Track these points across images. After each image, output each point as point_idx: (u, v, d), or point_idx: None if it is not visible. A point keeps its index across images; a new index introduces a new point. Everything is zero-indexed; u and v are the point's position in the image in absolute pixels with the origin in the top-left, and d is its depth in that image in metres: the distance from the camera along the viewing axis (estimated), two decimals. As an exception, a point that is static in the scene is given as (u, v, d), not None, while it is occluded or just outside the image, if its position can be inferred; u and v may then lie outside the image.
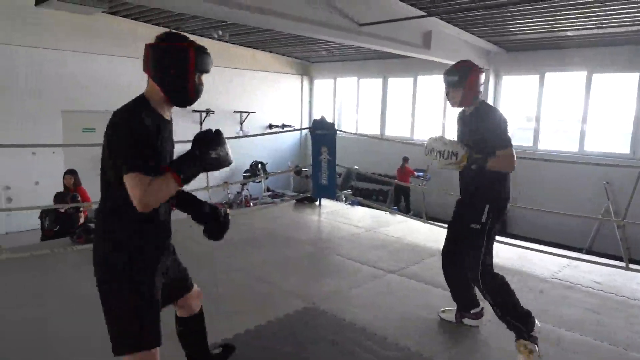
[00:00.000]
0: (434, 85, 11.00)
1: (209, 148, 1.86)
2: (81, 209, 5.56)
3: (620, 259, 4.59)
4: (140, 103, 1.86)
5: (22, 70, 8.14)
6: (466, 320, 3.18)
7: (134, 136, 1.72)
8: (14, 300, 3.48)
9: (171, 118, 2.03)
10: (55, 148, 8.53)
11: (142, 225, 1.86)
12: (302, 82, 13.40)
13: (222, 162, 1.90)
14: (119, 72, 9.40)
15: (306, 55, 12.48)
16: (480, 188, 2.86)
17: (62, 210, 5.31)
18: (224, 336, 2.95)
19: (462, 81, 2.76)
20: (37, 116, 8.32)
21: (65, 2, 4.96)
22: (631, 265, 4.36)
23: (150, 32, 9.08)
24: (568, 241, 8.19)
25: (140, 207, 1.70)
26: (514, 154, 2.75)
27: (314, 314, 3.37)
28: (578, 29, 7.60)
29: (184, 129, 11.24)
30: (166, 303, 2.13)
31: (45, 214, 5.44)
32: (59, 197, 5.54)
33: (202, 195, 7.33)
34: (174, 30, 2.37)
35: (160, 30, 9.58)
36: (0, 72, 7.83)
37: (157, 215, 1.90)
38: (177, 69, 1.86)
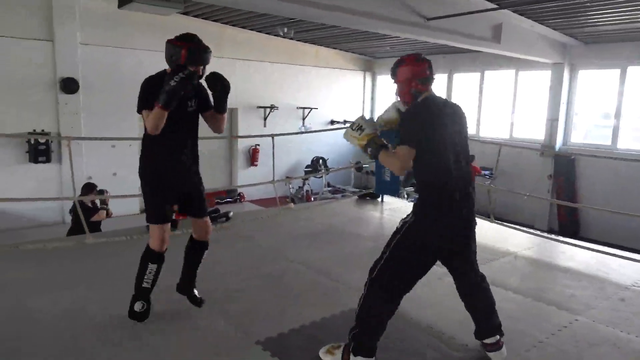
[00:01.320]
0: (502, 81, 10.57)
1: (170, 79, 2.70)
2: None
3: None
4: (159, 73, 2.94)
5: (102, 69, 8.71)
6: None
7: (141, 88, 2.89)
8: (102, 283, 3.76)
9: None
10: (132, 141, 9.07)
11: (154, 144, 2.90)
12: (364, 78, 13.34)
13: (175, 88, 2.69)
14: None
15: (369, 51, 12.40)
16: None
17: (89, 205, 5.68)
18: (290, 326, 3.04)
19: (394, 74, 2.66)
20: (116, 111, 8.88)
21: (147, 4, 5.25)
22: None
23: (219, 31, 9.46)
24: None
25: (148, 130, 2.79)
26: (407, 154, 2.36)
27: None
28: (667, 19, 7.01)
29: (249, 123, 11.61)
30: (182, 211, 3.15)
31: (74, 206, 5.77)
32: (85, 189, 5.94)
33: (267, 188, 7.50)
34: (191, 32, 2.99)
35: (228, 28, 9.95)
36: (84, 71, 8.42)
37: (164, 139, 2.85)
38: (174, 62, 2.82)
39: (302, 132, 10.94)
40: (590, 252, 4.78)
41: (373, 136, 2.52)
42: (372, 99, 13.57)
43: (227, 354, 2.76)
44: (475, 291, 2.73)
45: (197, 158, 3.12)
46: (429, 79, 2.59)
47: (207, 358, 2.72)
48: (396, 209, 6.46)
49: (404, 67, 2.60)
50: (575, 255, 4.82)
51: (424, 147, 2.40)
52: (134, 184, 9.50)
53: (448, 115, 2.54)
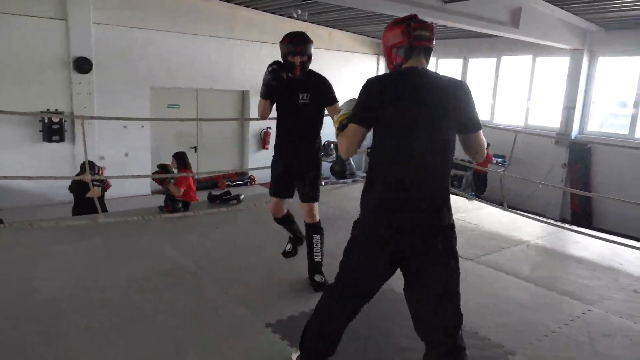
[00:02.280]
0: (519, 67, 10.37)
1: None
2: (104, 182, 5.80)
3: None
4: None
5: (115, 49, 8.69)
6: None
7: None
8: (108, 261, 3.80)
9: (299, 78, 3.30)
10: (144, 122, 9.09)
11: (277, 131, 3.40)
12: (377, 61, 13.16)
13: (266, 79, 3.18)
14: (202, 51, 9.77)
15: (381, 34, 12.22)
16: None
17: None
18: (301, 310, 3.04)
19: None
20: (128, 92, 8.88)
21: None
22: None
23: (231, 12, 9.37)
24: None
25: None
26: (352, 133, 2.08)
27: (391, 296, 3.35)
28: (694, 4, 6.78)
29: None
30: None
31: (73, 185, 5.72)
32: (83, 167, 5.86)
33: (269, 170, 7.32)
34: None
35: (241, 9, 9.83)
36: (96, 50, 8.40)
37: (280, 128, 3.36)
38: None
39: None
40: (604, 242, 4.72)
41: (346, 115, 2.17)
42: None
43: (239, 334, 2.77)
44: None
45: (310, 147, 3.31)
46: (407, 48, 2.07)
47: (221, 339, 2.73)
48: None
49: (384, 34, 2.20)
50: (588, 245, 4.75)
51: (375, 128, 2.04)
52: (146, 164, 9.56)
53: (411, 93, 1.98)
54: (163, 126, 9.65)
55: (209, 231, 4.56)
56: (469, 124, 2.05)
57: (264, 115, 3.31)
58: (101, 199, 5.92)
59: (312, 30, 11.28)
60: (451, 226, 2.01)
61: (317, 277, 3.33)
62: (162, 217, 4.82)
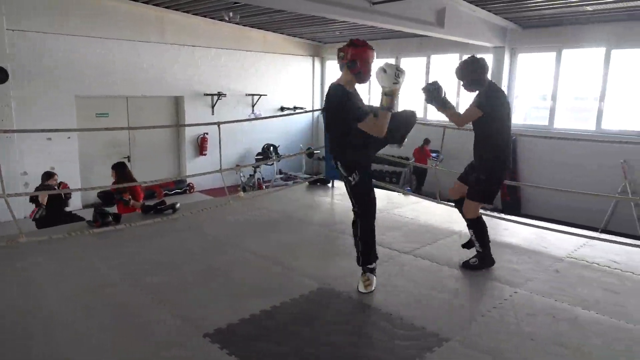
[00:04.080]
0: (448, 64, 10.81)
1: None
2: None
3: (637, 237, 4.52)
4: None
5: (33, 57, 8.19)
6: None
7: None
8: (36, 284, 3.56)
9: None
10: (70, 133, 8.62)
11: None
12: (313, 63, 13.28)
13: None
14: (131, 57, 9.41)
15: (318, 36, 12.34)
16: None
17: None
18: (241, 316, 2.99)
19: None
20: (51, 102, 8.39)
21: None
22: (649, 244, 4.31)
23: (160, 15, 9.05)
24: (584, 221, 8.08)
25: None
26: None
27: (329, 294, 3.39)
28: (597, 3, 7.37)
29: (196, 112, 11.32)
30: None
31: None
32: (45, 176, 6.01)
33: (217, 178, 7.31)
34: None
35: (170, 12, 9.57)
36: (11, 58, 7.87)
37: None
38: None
39: (250, 119, 10.76)
40: (530, 227, 5.02)
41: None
42: (322, 84, 13.54)
43: (174, 348, 2.68)
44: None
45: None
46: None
47: (152, 353, 2.63)
48: (346, 193, 6.48)
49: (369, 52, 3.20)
50: (516, 231, 5.03)
51: None
52: (74, 177, 9.05)
53: None
54: (92, 136, 9.21)
55: (142, 243, 4.39)
56: None
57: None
58: (63, 209, 5.87)
59: (245, 33, 11.22)
60: None
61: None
62: (91, 233, 4.58)
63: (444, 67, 10.94)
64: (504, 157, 3.69)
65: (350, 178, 3.26)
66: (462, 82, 3.75)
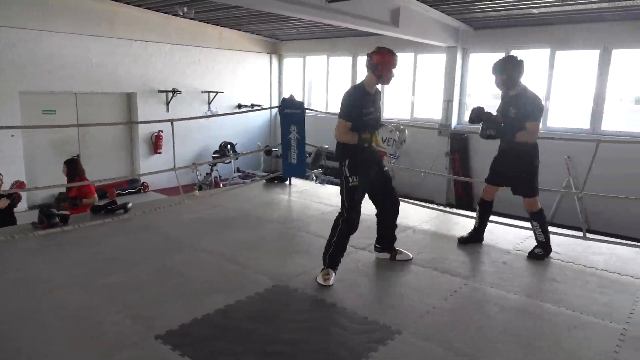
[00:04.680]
0: (404, 63, 11.02)
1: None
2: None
3: (580, 229, 4.78)
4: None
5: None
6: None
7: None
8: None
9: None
10: (14, 131, 8.19)
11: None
12: (270, 60, 13.19)
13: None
14: (80, 51, 9.04)
15: (275, 33, 12.27)
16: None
17: None
18: (194, 316, 2.95)
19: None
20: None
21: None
22: (588, 235, 4.56)
23: (110, 9, 8.72)
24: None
25: None
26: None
27: (284, 292, 3.40)
28: (542, 6, 7.71)
29: (150, 109, 10.99)
30: None
31: None
32: None
33: (169, 176, 7.15)
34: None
35: (122, 6, 9.26)
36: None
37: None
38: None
39: (205, 117, 10.57)
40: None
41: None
42: (279, 81, 13.49)
43: (125, 350, 2.61)
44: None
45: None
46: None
47: (103, 356, 2.56)
48: (304, 191, 6.52)
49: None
50: (467, 225, 5.19)
51: None
52: (19, 177, 8.61)
53: None
54: (38, 134, 8.79)
55: (92, 245, 4.24)
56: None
57: None
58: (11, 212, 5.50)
59: (201, 29, 11.02)
60: None
61: None
62: (36, 235, 4.38)
63: (400, 66, 11.12)
64: (538, 153, 4.06)
65: (350, 179, 3.53)
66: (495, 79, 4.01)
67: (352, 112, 3.46)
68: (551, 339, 2.83)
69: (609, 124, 8.72)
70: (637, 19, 7.89)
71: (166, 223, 4.95)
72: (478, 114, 4.09)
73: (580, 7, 7.49)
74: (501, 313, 3.12)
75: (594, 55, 8.63)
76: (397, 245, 4.04)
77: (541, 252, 4.05)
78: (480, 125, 4.13)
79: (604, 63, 8.49)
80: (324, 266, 3.55)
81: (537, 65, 9.43)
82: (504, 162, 4.23)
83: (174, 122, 5.40)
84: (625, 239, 4.74)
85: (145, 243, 4.31)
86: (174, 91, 10.65)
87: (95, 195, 5.62)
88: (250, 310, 3.13)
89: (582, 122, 9.04)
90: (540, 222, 4.06)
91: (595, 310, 3.14)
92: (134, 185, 9.98)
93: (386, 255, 3.99)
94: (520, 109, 3.85)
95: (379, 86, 3.67)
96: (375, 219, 3.97)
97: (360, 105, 3.50)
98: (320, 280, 3.48)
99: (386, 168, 3.84)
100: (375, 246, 4.04)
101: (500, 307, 3.21)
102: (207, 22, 10.92)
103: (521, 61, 3.92)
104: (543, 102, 4.00)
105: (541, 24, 8.89)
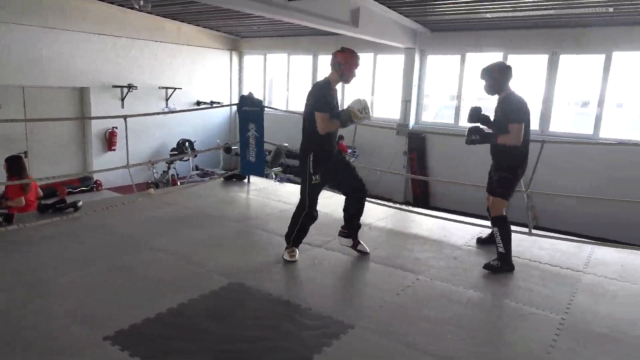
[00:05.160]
0: (364, 63, 11.14)
1: None
2: None
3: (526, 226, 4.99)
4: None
5: None
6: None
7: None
8: None
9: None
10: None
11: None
12: (231, 57, 13.05)
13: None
14: (28, 43, 8.65)
15: (236, 30, 12.14)
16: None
17: None
18: (146, 316, 2.90)
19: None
20: None
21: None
22: (534, 231, 4.78)
23: (63, 0, 8.33)
24: (484, 212, 8.77)
25: None
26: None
27: (239, 289, 3.39)
28: (495, 11, 8.00)
29: (104, 104, 10.64)
30: None
31: None
32: None
33: (124, 174, 6.94)
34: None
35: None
36: None
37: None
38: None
39: (162, 113, 10.31)
40: (434, 219, 5.36)
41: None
42: (240, 79, 13.37)
43: (74, 353, 2.54)
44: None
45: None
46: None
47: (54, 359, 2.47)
48: (263, 189, 6.50)
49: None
50: (422, 222, 5.36)
51: None
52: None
53: None
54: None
55: (39, 245, 4.07)
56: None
57: None
58: None
59: (158, 23, 10.76)
60: None
61: None
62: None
63: (361, 66, 11.24)
64: (525, 157, 3.96)
65: (313, 177, 3.73)
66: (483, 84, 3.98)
67: (327, 104, 3.64)
68: (496, 330, 2.96)
69: (556, 126, 9.16)
70: (583, 26, 8.32)
71: (118, 222, 4.82)
72: (474, 115, 3.95)
73: (530, 13, 7.83)
74: (450, 306, 3.23)
75: (543, 59, 9.03)
76: (354, 241, 4.10)
77: (497, 265, 3.80)
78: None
79: (553, 67, 8.91)
80: (287, 245, 3.88)
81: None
82: (492, 167, 4.12)
83: (130, 119, 5.27)
84: (570, 235, 5.01)
85: (94, 243, 4.18)
86: (130, 87, 10.35)
87: (21, 198, 5.21)
88: (205, 308, 3.10)
89: (531, 123, 9.43)
90: (501, 230, 3.82)
91: (537, 301, 3.31)
92: (87, 183, 9.63)
93: (349, 242, 4.02)
94: (504, 111, 3.83)
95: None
96: (328, 217, 4.04)
97: (331, 97, 3.71)
98: (286, 257, 3.82)
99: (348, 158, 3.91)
100: (340, 231, 4.06)
101: (449, 300, 3.32)
102: (165, 17, 10.68)
103: (509, 67, 3.96)
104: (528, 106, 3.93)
105: (495, 29, 9.22)
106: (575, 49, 8.64)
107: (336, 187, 4.01)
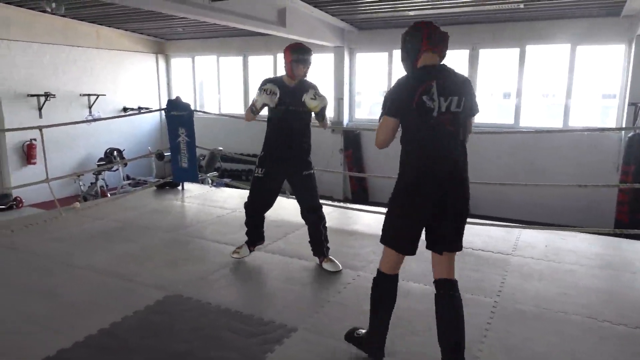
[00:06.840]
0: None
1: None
2: None
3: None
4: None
5: None
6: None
7: None
8: None
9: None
10: None
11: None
12: (157, 61, 12.55)
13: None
14: None
15: (160, 32, 11.68)
16: None
17: None
18: (75, 340, 2.70)
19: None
20: None
21: None
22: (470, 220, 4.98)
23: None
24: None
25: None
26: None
27: (176, 302, 3.25)
28: (417, 9, 8.27)
29: (19, 115, 9.89)
30: None
31: None
32: None
33: (45, 189, 6.46)
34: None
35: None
36: None
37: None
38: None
39: (85, 122, 9.70)
40: (372, 214, 5.43)
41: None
42: (168, 82, 12.90)
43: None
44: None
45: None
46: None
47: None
48: (198, 195, 6.30)
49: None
50: (360, 219, 5.42)
51: None
52: None
53: None
54: None
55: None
56: None
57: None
58: None
59: (74, 27, 10.14)
60: None
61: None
62: None
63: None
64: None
65: (256, 170, 3.80)
66: None
67: (255, 99, 3.68)
68: (430, 318, 3.04)
69: (481, 117, 9.63)
70: (499, 22, 8.81)
71: (38, 241, 4.46)
72: None
73: (449, 10, 8.17)
74: (391, 299, 3.28)
75: (464, 54, 9.47)
76: (291, 241, 4.07)
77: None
78: None
79: (474, 61, 9.35)
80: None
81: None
82: None
83: (50, 129, 4.90)
84: (501, 220, 5.27)
85: (9, 266, 3.85)
86: (47, 95, 9.66)
87: None
88: (139, 325, 2.94)
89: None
90: None
91: (471, 287, 3.44)
92: (4, 200, 8.89)
93: (316, 259, 3.88)
94: None
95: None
96: (266, 220, 4.00)
97: (269, 90, 3.68)
98: (234, 254, 3.92)
99: (310, 172, 3.87)
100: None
101: (391, 293, 3.36)
102: (82, 20, 10.07)
103: (412, 31, 4.01)
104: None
105: (418, 26, 9.53)
106: (492, 43, 9.13)
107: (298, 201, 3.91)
